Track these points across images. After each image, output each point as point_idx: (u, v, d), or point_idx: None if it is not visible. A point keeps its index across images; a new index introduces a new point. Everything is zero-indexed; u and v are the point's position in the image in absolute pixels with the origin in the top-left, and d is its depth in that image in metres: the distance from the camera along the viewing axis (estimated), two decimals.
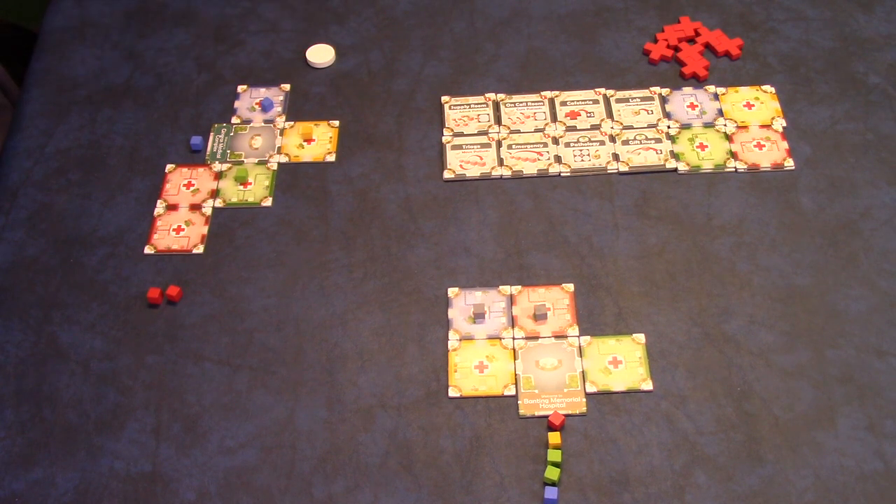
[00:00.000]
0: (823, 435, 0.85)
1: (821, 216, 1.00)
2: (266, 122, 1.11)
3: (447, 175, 1.05)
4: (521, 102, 1.11)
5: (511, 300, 0.95)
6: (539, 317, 0.93)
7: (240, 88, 1.14)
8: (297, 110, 1.12)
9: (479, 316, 0.94)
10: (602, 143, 1.06)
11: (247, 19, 1.21)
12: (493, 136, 1.08)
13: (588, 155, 1.05)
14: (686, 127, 1.07)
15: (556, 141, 1.07)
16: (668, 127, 1.07)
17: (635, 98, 1.10)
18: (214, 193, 1.05)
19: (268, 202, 1.04)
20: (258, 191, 1.05)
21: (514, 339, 0.92)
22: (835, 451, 0.84)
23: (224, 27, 1.21)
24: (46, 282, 0.99)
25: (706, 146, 1.05)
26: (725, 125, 1.07)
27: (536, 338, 0.93)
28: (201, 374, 0.92)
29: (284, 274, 0.98)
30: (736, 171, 1.04)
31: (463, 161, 1.06)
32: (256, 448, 0.87)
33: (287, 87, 1.14)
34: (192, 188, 1.05)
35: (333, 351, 0.92)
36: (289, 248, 1.00)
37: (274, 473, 0.85)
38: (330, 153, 1.08)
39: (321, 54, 1.16)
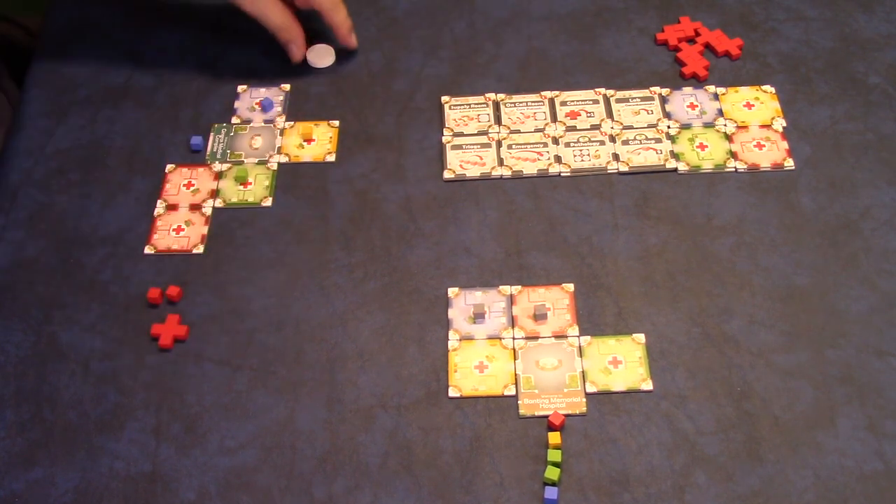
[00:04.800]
0: (823, 435, 0.85)
1: (821, 216, 1.00)
2: (266, 122, 1.11)
3: (447, 175, 1.05)
4: (521, 102, 1.11)
5: (511, 300, 0.95)
6: (539, 317, 0.93)
7: (240, 88, 1.14)
8: (297, 110, 1.12)
9: (479, 316, 0.94)
10: (602, 143, 1.06)
11: (247, 19, 1.21)
12: (493, 136, 1.08)
13: (588, 155, 1.05)
14: (686, 127, 1.07)
15: (556, 141, 1.07)
16: (668, 127, 1.07)
17: (635, 98, 1.10)
18: (214, 193, 1.05)
19: (268, 202, 1.04)
20: (258, 191, 1.05)
21: (514, 339, 0.93)
22: (835, 451, 0.84)
23: (224, 27, 1.20)
24: (46, 282, 0.99)
25: (706, 146, 1.05)
26: (725, 125, 1.07)
27: (536, 338, 0.93)
28: (201, 374, 0.92)
29: (284, 274, 0.98)
30: (736, 171, 1.04)
31: (463, 161, 1.06)
32: (256, 448, 0.87)
33: (287, 87, 1.14)
34: (192, 188, 1.05)
35: (333, 351, 0.93)
36: (289, 248, 1.00)
37: (274, 473, 0.85)
38: (330, 153, 1.08)
39: (321, 55, 1.16)
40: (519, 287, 0.96)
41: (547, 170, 1.05)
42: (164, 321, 0.94)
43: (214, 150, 1.09)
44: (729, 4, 1.19)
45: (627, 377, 0.89)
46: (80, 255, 1.00)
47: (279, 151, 1.08)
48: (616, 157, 1.05)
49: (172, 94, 1.14)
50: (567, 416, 0.87)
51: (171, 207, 1.04)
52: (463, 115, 1.10)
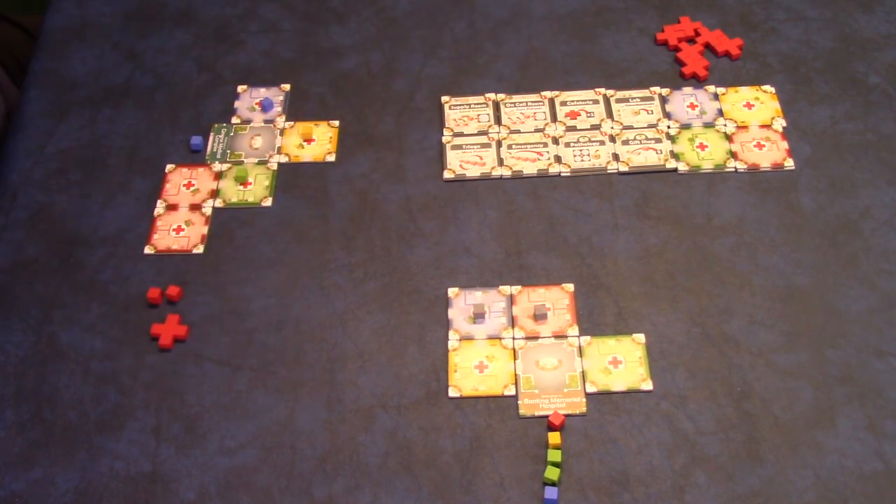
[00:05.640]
0: (823, 435, 0.85)
1: (821, 216, 1.00)
2: (266, 122, 1.11)
3: (447, 175, 1.05)
4: (521, 102, 1.11)
5: (511, 300, 0.95)
6: (539, 317, 0.93)
7: (240, 88, 1.14)
8: (297, 110, 1.12)
9: (479, 316, 0.94)
10: (602, 143, 1.06)
11: (247, 19, 1.21)
12: (493, 136, 1.08)
13: (588, 155, 1.05)
14: (686, 127, 1.07)
15: (556, 141, 1.07)
16: (668, 127, 1.07)
17: (635, 98, 1.10)
18: (214, 193, 1.05)
19: (268, 202, 1.04)
20: (258, 191, 1.05)
21: (514, 339, 0.92)
22: (835, 451, 0.84)
23: (224, 27, 1.21)
24: (46, 282, 0.99)
25: (706, 146, 1.05)
26: (725, 125, 1.07)
27: (536, 338, 0.92)
28: (201, 374, 0.92)
29: (284, 274, 0.98)
30: (736, 171, 1.04)
31: (463, 161, 1.06)
32: (256, 448, 0.87)
33: (287, 87, 1.14)
34: (192, 188, 1.05)
35: (333, 351, 0.93)
36: (289, 248, 1.00)
37: (274, 473, 0.85)
38: (330, 153, 1.08)
39: None
40: (519, 287, 0.96)
41: (547, 170, 1.05)
42: (164, 321, 0.94)
43: (214, 150, 1.09)
44: (729, 4, 1.19)
45: (627, 377, 0.89)
46: (80, 255, 1.00)
47: (279, 151, 1.08)
48: (616, 157, 1.05)
49: (172, 94, 1.14)
50: (567, 416, 0.87)
51: (171, 207, 1.04)
52: (463, 115, 1.10)
